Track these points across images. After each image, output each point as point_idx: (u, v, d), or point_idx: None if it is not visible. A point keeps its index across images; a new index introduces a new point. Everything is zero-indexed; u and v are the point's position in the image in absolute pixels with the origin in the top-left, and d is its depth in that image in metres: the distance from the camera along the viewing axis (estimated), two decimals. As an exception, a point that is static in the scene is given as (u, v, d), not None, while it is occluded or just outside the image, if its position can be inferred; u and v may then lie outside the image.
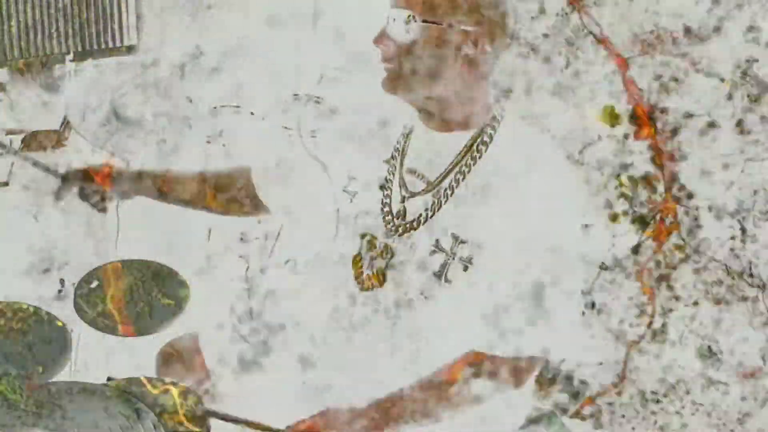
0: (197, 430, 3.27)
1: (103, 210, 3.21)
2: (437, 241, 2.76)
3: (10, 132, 3.31)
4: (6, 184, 3.33)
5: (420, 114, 2.81)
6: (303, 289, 3.07)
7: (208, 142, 3.26)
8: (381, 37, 2.73)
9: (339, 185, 2.94)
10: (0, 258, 3.40)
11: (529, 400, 3.01)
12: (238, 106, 3.23)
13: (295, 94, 3.20)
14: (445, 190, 2.77)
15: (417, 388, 2.76)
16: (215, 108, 3.24)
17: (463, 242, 2.73)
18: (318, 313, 3.00)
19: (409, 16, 2.69)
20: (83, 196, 3.18)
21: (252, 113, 3.23)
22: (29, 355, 3.26)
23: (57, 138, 3.29)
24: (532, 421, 3.05)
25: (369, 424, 2.80)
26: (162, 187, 3.17)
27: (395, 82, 2.74)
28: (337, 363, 2.95)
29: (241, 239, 3.29)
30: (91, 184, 3.15)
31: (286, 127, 3.20)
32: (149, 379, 3.30)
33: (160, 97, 3.31)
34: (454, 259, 2.74)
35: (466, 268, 2.73)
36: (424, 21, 2.68)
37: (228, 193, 3.16)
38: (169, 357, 3.32)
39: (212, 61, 3.28)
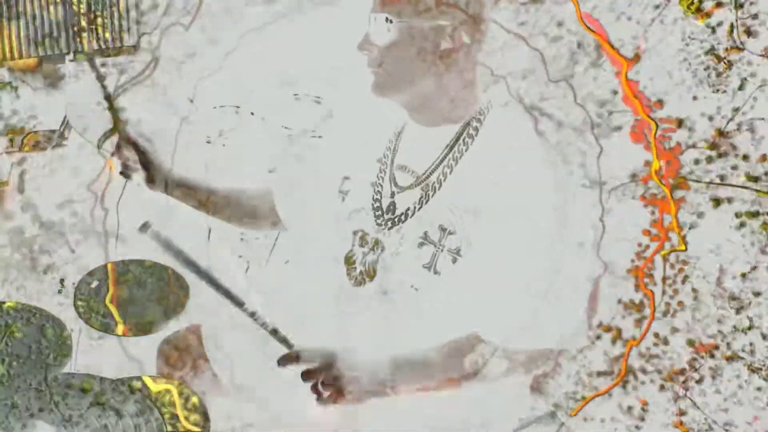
0: (197, 429, 3.27)
1: (128, 176, 3.23)
2: (425, 233, 2.79)
3: (10, 132, 3.31)
4: (6, 184, 3.33)
5: (409, 112, 2.84)
6: (299, 287, 3.09)
7: (208, 142, 3.27)
8: (364, 43, 2.78)
9: (334, 186, 2.97)
10: (2, 257, 3.41)
11: (528, 400, 3.02)
12: (238, 106, 3.24)
13: (295, 94, 3.21)
14: (433, 183, 2.80)
15: (438, 348, 2.78)
16: (215, 108, 3.25)
17: (451, 233, 2.76)
18: (312, 309, 3.02)
19: (387, 18, 2.73)
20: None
21: (252, 113, 3.24)
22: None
23: (57, 138, 3.30)
24: (532, 421, 3.06)
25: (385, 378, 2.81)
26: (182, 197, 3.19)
27: (383, 84, 2.78)
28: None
29: (241, 239, 3.30)
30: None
31: (286, 127, 3.21)
32: (149, 379, 3.31)
33: (160, 97, 3.31)
34: (442, 250, 2.77)
35: (455, 260, 2.75)
36: (402, 21, 2.72)
37: (251, 215, 3.19)
38: (169, 356, 3.33)
39: (212, 61, 3.29)
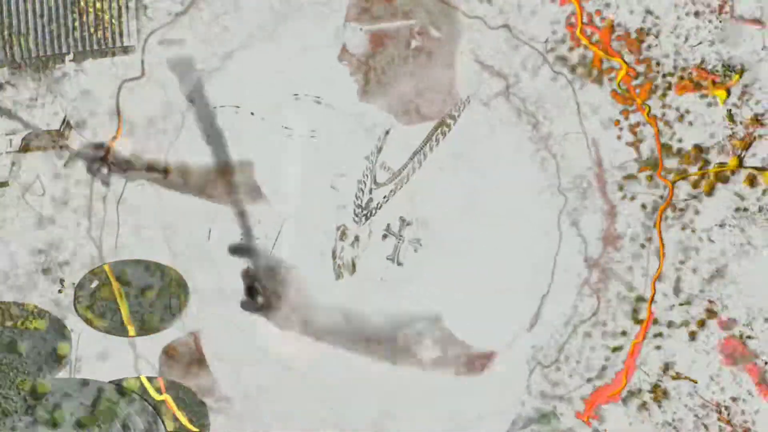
0: (197, 429, 3.26)
1: (107, 184, 3.23)
2: (388, 225, 2.80)
3: (10, 132, 3.31)
4: (6, 184, 3.32)
5: (393, 114, 2.85)
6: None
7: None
8: (343, 54, 2.79)
9: (327, 182, 2.99)
10: (1, 258, 3.40)
11: (527, 399, 3.01)
12: (238, 106, 3.24)
13: (295, 94, 3.21)
14: (402, 177, 2.82)
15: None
16: (215, 108, 3.25)
17: (408, 224, 2.77)
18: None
19: (359, 28, 2.74)
20: (90, 170, 3.21)
21: (252, 113, 3.24)
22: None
23: (57, 138, 3.29)
24: (532, 420, 3.06)
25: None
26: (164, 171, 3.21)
27: (366, 92, 2.80)
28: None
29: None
30: (99, 161, 3.17)
31: (285, 127, 3.21)
32: (149, 379, 3.30)
33: (160, 97, 3.30)
34: (403, 241, 2.79)
35: (416, 250, 2.77)
36: (372, 26, 2.73)
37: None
38: (170, 357, 3.33)
39: (212, 61, 3.28)
